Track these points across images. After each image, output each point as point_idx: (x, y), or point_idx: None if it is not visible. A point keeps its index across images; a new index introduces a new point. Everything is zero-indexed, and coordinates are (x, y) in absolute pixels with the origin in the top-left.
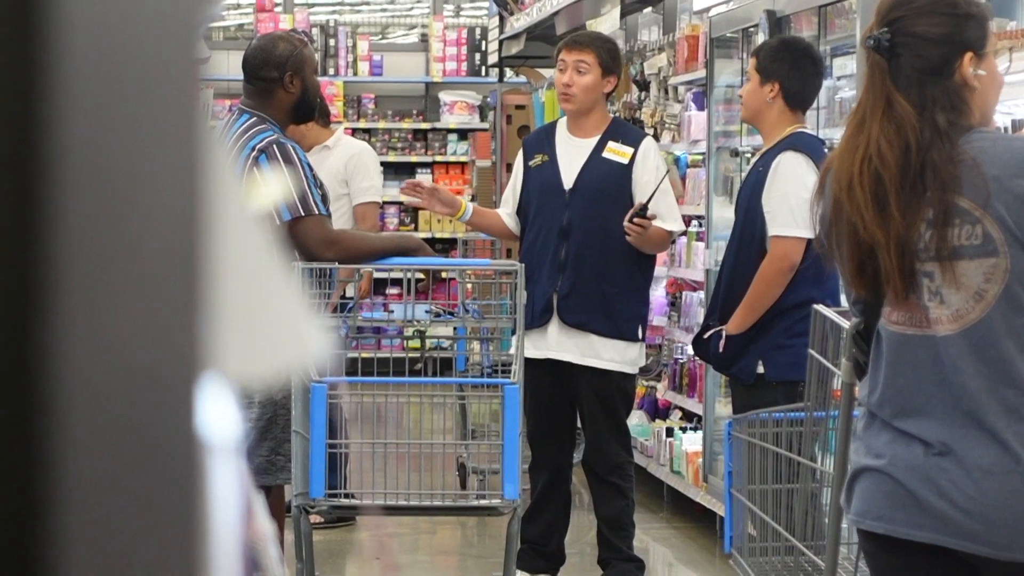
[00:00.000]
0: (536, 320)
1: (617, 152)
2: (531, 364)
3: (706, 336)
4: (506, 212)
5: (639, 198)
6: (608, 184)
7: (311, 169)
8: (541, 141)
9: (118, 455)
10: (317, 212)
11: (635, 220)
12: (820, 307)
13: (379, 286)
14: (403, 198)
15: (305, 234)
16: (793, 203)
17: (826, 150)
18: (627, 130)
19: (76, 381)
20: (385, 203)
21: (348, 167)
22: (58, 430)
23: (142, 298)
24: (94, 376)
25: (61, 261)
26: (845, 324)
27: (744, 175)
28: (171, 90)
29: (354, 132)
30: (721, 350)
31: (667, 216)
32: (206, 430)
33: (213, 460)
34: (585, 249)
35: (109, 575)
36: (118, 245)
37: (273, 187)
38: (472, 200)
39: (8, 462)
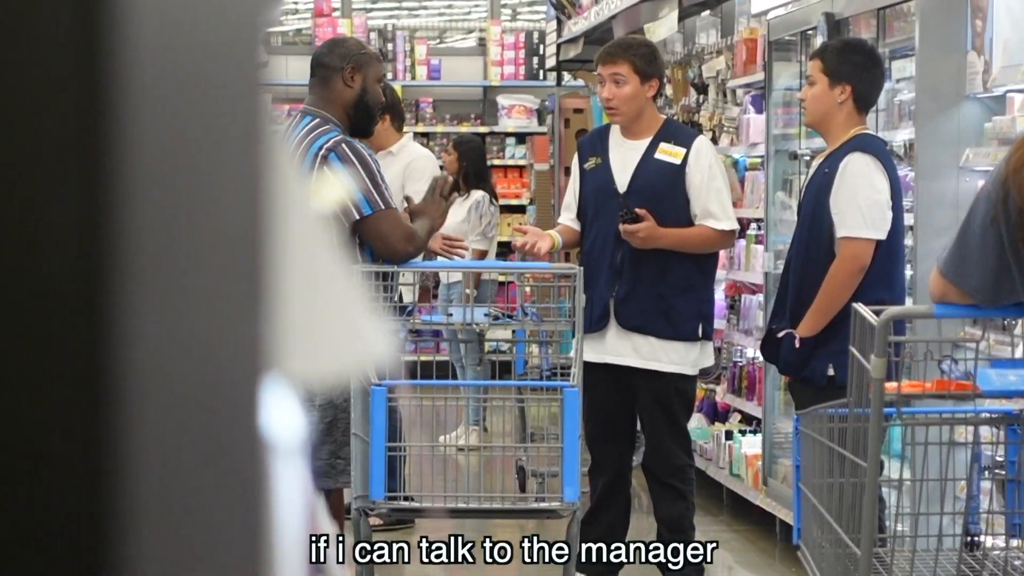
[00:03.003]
0: (594, 325)
1: (670, 152)
2: (590, 367)
3: (780, 336)
4: (569, 218)
5: (693, 198)
6: (662, 185)
7: (379, 166)
8: (595, 143)
9: (184, 455)
10: (393, 207)
11: (623, 227)
12: (858, 306)
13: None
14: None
15: (387, 228)
16: (862, 204)
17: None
18: (680, 131)
19: (142, 381)
20: None
21: (405, 173)
22: (125, 430)
23: (207, 299)
24: (160, 376)
25: (127, 262)
26: (875, 322)
27: (805, 178)
28: (235, 92)
29: (412, 137)
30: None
31: (721, 216)
32: (270, 431)
33: (277, 460)
34: (641, 252)
35: (175, 572)
36: (183, 246)
37: (347, 184)
38: (531, 203)
39: (77, 460)
